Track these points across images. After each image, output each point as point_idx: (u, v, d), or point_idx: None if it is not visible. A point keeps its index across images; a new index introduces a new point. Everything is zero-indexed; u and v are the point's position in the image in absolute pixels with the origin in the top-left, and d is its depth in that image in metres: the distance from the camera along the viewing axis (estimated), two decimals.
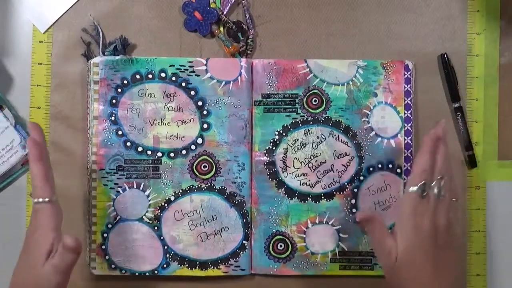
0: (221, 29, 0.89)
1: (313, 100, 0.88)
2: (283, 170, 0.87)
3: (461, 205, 0.89)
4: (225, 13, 0.89)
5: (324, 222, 0.88)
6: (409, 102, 0.88)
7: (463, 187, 0.90)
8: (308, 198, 0.88)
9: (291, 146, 0.87)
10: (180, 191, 0.87)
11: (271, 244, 0.87)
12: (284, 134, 0.87)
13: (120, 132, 0.86)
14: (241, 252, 0.87)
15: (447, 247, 0.73)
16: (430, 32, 0.91)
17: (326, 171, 0.88)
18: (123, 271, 0.86)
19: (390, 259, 0.72)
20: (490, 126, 0.91)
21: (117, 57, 0.86)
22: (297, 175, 0.87)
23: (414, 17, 0.90)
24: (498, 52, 0.91)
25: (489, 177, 0.91)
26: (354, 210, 0.88)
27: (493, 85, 0.91)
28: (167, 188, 0.87)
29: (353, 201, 0.88)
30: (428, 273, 0.71)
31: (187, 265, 0.87)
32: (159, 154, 0.86)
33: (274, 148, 0.87)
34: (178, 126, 0.87)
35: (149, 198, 0.87)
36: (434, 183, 0.74)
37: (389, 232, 0.74)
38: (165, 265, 0.87)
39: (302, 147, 0.87)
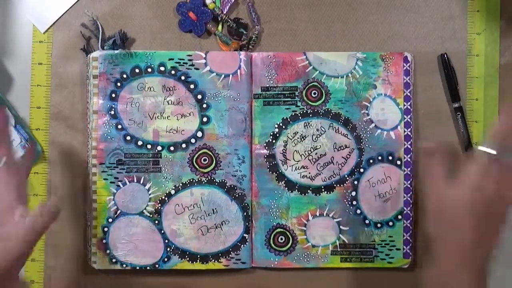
0: (220, 27, 0.89)
1: (312, 92, 0.88)
2: (283, 163, 0.87)
3: None
4: (225, 12, 0.89)
5: (324, 215, 0.88)
6: (409, 94, 0.88)
7: None
8: (309, 191, 0.88)
9: (291, 139, 0.87)
10: (180, 184, 0.87)
11: (271, 237, 0.87)
12: (283, 127, 0.87)
13: (119, 126, 0.86)
14: (242, 245, 0.87)
15: (498, 222, 0.67)
16: (430, 32, 0.91)
17: (326, 164, 0.88)
18: (124, 265, 0.86)
19: (438, 202, 0.68)
20: (490, 126, 0.90)
21: (116, 51, 0.86)
22: (297, 168, 0.87)
23: (414, 17, 0.91)
24: (498, 52, 0.91)
25: None
26: (354, 203, 0.88)
27: (493, 85, 0.91)
28: (167, 182, 0.87)
29: (353, 193, 0.88)
30: (469, 239, 0.67)
31: (188, 259, 0.87)
32: (159, 148, 0.87)
33: (274, 141, 0.87)
34: (177, 119, 0.87)
35: (149, 192, 0.87)
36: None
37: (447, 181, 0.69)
38: (166, 259, 0.87)
39: (302, 139, 0.87)
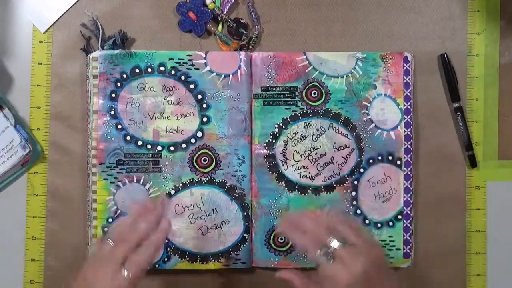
0: (220, 28, 0.89)
1: (312, 92, 0.88)
2: (283, 163, 0.87)
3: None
4: (225, 12, 0.89)
5: None
6: (409, 94, 0.88)
7: (463, 187, 0.91)
8: (309, 191, 0.88)
9: (291, 139, 0.87)
10: (180, 184, 0.87)
11: (271, 237, 0.87)
12: (283, 126, 0.87)
13: (119, 126, 0.86)
14: (242, 245, 0.87)
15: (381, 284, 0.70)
16: (430, 32, 0.91)
17: (326, 164, 0.88)
18: None
19: None
20: (490, 126, 0.91)
21: (116, 51, 0.86)
22: (297, 168, 0.87)
23: (414, 17, 0.91)
24: (498, 52, 0.91)
25: (489, 177, 0.91)
26: (354, 203, 0.88)
27: (493, 85, 0.91)
28: (167, 182, 0.87)
29: (353, 193, 0.88)
30: None
31: (187, 259, 0.87)
32: (159, 148, 0.87)
33: (274, 141, 0.87)
34: (177, 119, 0.87)
35: (149, 192, 0.87)
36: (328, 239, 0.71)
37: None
38: (165, 259, 0.87)
39: (302, 139, 0.87)
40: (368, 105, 0.88)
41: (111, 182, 0.86)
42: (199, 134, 0.87)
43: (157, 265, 0.86)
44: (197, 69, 0.87)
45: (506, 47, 0.91)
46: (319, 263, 0.70)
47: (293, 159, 0.87)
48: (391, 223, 0.88)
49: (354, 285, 0.68)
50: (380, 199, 0.88)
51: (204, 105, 0.87)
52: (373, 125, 0.88)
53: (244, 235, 0.87)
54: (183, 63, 0.87)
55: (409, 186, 0.88)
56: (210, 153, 0.87)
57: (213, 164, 0.87)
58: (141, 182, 0.87)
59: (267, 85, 0.87)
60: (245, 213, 0.87)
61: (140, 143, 0.86)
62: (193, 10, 0.89)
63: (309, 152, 0.88)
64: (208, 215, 0.87)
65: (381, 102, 0.88)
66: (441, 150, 0.90)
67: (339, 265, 0.69)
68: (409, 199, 0.88)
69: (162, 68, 0.86)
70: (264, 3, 0.90)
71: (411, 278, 0.90)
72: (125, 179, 0.87)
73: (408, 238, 0.88)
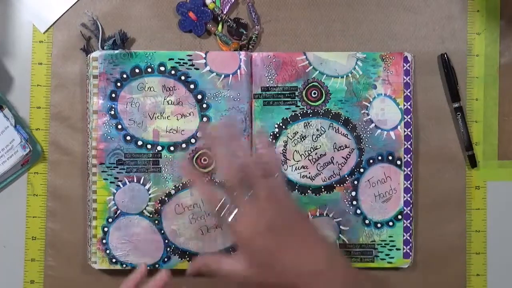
0: (220, 28, 0.89)
1: (312, 92, 0.88)
2: (283, 163, 0.87)
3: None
4: (225, 12, 0.89)
5: (324, 215, 0.88)
6: (409, 94, 0.88)
7: (463, 187, 0.91)
8: (308, 191, 0.87)
9: (291, 139, 0.87)
10: (181, 184, 0.87)
11: None
12: (283, 127, 0.87)
13: (119, 126, 0.86)
14: None
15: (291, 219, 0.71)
16: (430, 32, 0.91)
17: (326, 164, 0.88)
18: (124, 265, 0.86)
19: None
20: (490, 126, 0.91)
21: (116, 51, 0.86)
22: (297, 168, 0.87)
23: (414, 17, 0.91)
24: (498, 52, 0.91)
25: (489, 177, 0.91)
26: (354, 203, 0.88)
27: (493, 85, 0.91)
28: (167, 182, 0.87)
29: (353, 193, 0.88)
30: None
31: (188, 259, 0.87)
32: (159, 148, 0.87)
33: (274, 141, 0.87)
34: (177, 119, 0.87)
35: (149, 192, 0.87)
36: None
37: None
38: (166, 259, 0.87)
39: (302, 139, 0.87)
40: (368, 105, 0.88)
41: (111, 182, 0.86)
42: (199, 134, 0.87)
43: (157, 265, 0.86)
44: (197, 69, 0.87)
45: (506, 47, 0.91)
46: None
47: (293, 159, 0.87)
48: (391, 223, 0.88)
49: (260, 238, 0.68)
50: (380, 199, 0.88)
51: (204, 105, 0.87)
52: (373, 125, 0.88)
53: None
54: (183, 63, 0.87)
55: (409, 186, 0.88)
56: (210, 153, 0.87)
57: (213, 164, 0.87)
58: (141, 182, 0.87)
59: (267, 85, 0.87)
60: None
61: (140, 143, 0.86)
62: (193, 10, 0.89)
63: (309, 152, 0.88)
64: (208, 215, 0.87)
65: (381, 102, 0.88)
66: (441, 150, 0.90)
67: (241, 220, 0.69)
68: (409, 199, 0.88)
69: (162, 68, 0.86)
70: (264, 3, 0.90)
71: (411, 278, 0.90)
72: (125, 179, 0.86)
73: (408, 238, 0.88)
